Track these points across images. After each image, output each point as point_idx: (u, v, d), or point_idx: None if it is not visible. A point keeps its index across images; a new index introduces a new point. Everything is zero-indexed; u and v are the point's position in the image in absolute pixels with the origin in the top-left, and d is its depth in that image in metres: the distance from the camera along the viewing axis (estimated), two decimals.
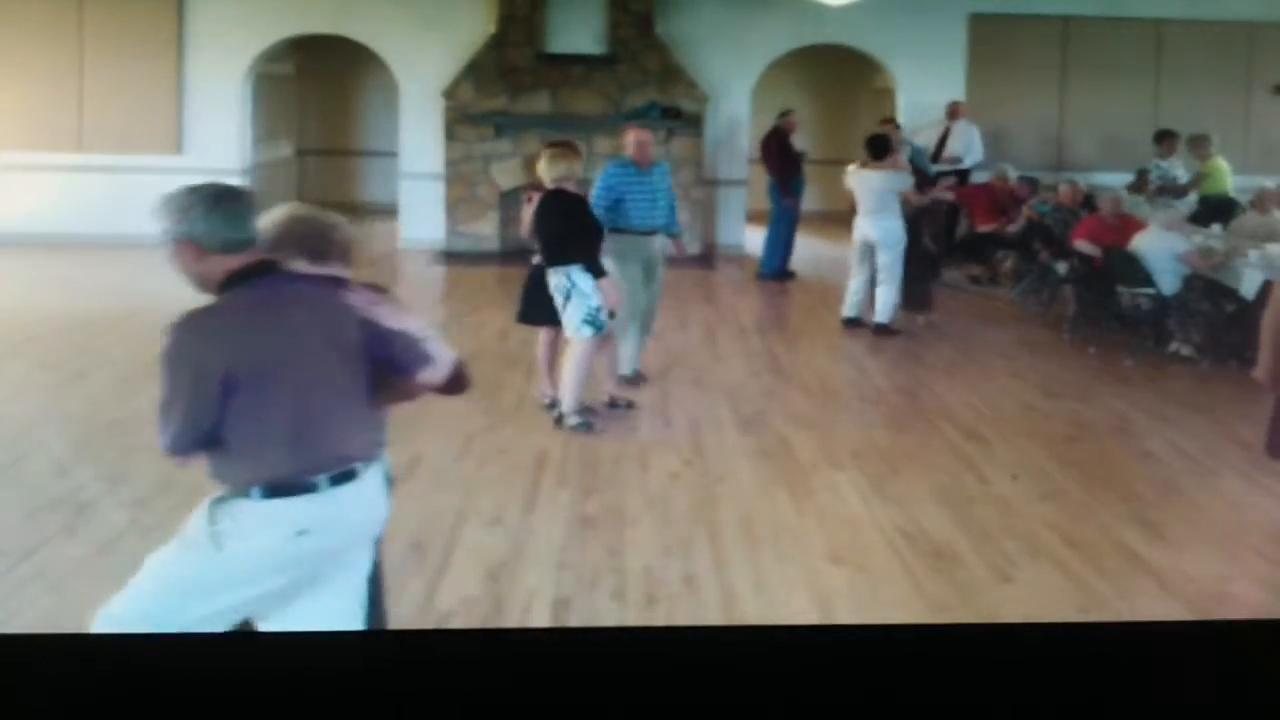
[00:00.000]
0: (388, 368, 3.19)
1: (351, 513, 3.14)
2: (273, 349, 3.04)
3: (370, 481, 3.17)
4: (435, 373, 3.24)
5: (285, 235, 3.27)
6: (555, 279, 6.65)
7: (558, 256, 6.61)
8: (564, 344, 6.95)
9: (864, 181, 9.48)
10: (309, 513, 3.04)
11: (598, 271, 6.56)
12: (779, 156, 12.16)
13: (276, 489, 3.02)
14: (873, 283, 9.56)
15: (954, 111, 13.26)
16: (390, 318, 3.19)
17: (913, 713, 2.09)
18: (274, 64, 14.64)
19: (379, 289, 3.37)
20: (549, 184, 6.64)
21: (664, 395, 7.57)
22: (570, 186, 6.63)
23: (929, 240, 10.24)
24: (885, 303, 9.49)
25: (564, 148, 6.90)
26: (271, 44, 13.62)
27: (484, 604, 4.51)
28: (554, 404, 7.04)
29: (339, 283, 3.25)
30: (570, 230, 6.56)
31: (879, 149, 9.59)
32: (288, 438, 3.03)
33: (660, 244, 7.72)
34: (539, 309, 6.92)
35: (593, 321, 6.61)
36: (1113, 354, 8.81)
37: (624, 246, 7.38)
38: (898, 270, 9.44)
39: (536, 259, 6.93)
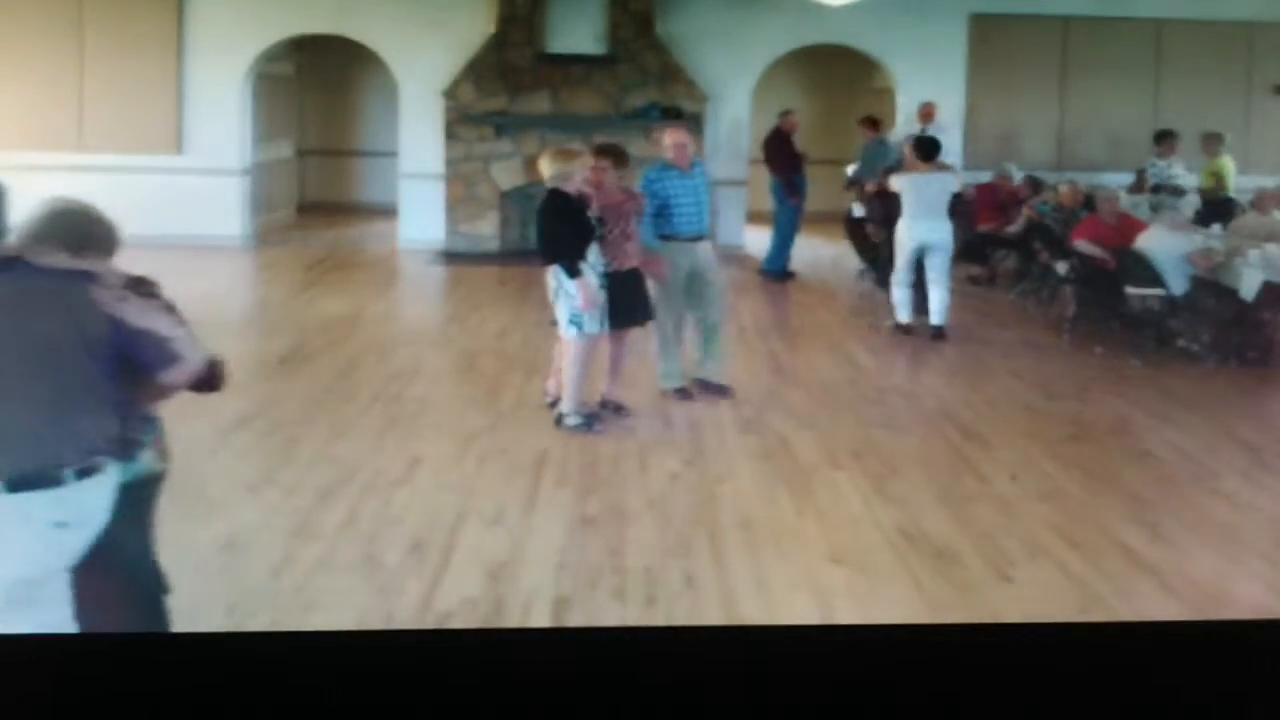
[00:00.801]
0: (134, 365, 3.17)
1: (102, 507, 3.14)
2: (13, 343, 3.03)
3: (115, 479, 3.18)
4: (181, 372, 3.23)
5: (46, 227, 3.26)
6: (549, 278, 6.70)
7: (546, 255, 6.68)
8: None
9: (920, 184, 9.37)
10: (61, 505, 3.04)
11: (572, 272, 6.54)
12: (781, 156, 12.20)
13: (21, 483, 3.02)
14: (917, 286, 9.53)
15: (927, 113, 12.92)
16: (137, 316, 3.16)
17: (913, 713, 2.09)
18: (274, 64, 14.64)
19: (142, 283, 3.32)
20: (547, 183, 6.68)
21: (664, 395, 7.56)
22: (569, 188, 6.63)
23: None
24: (944, 305, 9.40)
25: (609, 150, 7.08)
26: (271, 44, 13.62)
27: (484, 604, 4.51)
28: (556, 403, 7.04)
29: (90, 277, 3.19)
30: (558, 230, 6.58)
31: (930, 150, 9.56)
32: (30, 431, 3.02)
33: (708, 249, 7.40)
34: None
35: (576, 321, 6.61)
36: (1118, 354, 8.81)
37: (669, 254, 7.23)
38: (948, 271, 9.44)
39: None
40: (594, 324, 6.66)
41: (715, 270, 7.47)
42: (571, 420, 6.69)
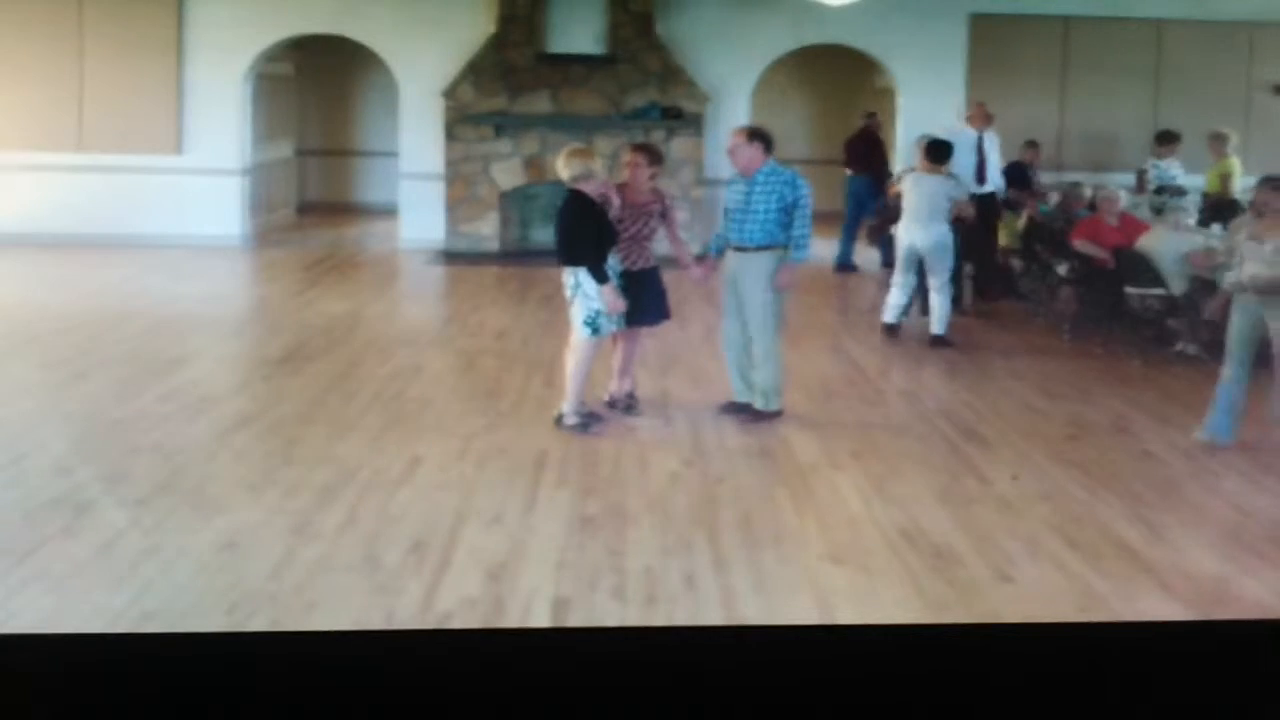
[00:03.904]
0: None
1: None
2: None
3: None
4: None
5: None
6: (566, 277, 6.67)
7: (570, 258, 6.63)
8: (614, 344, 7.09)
9: (921, 186, 9.22)
10: None
11: (600, 277, 6.52)
12: (871, 157, 12.69)
13: None
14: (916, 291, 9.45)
15: (985, 115, 11.23)
16: None
17: (913, 713, 2.09)
18: (274, 64, 14.65)
19: None
20: (567, 184, 6.66)
21: (664, 395, 7.56)
22: (589, 188, 6.61)
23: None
24: (944, 312, 9.19)
25: (645, 150, 7.06)
26: (271, 44, 13.62)
27: (484, 604, 4.51)
28: (614, 402, 7.10)
29: None
30: (581, 232, 6.56)
31: (942, 154, 9.38)
32: None
33: (752, 263, 6.85)
34: None
35: (591, 324, 6.62)
36: (1118, 354, 8.81)
37: (723, 263, 7.09)
38: (948, 278, 9.20)
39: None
40: (610, 325, 6.68)
41: (753, 286, 6.86)
42: (570, 420, 6.69)
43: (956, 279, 9.67)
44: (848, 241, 12.85)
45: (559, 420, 6.74)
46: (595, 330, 6.64)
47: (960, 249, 9.67)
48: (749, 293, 6.91)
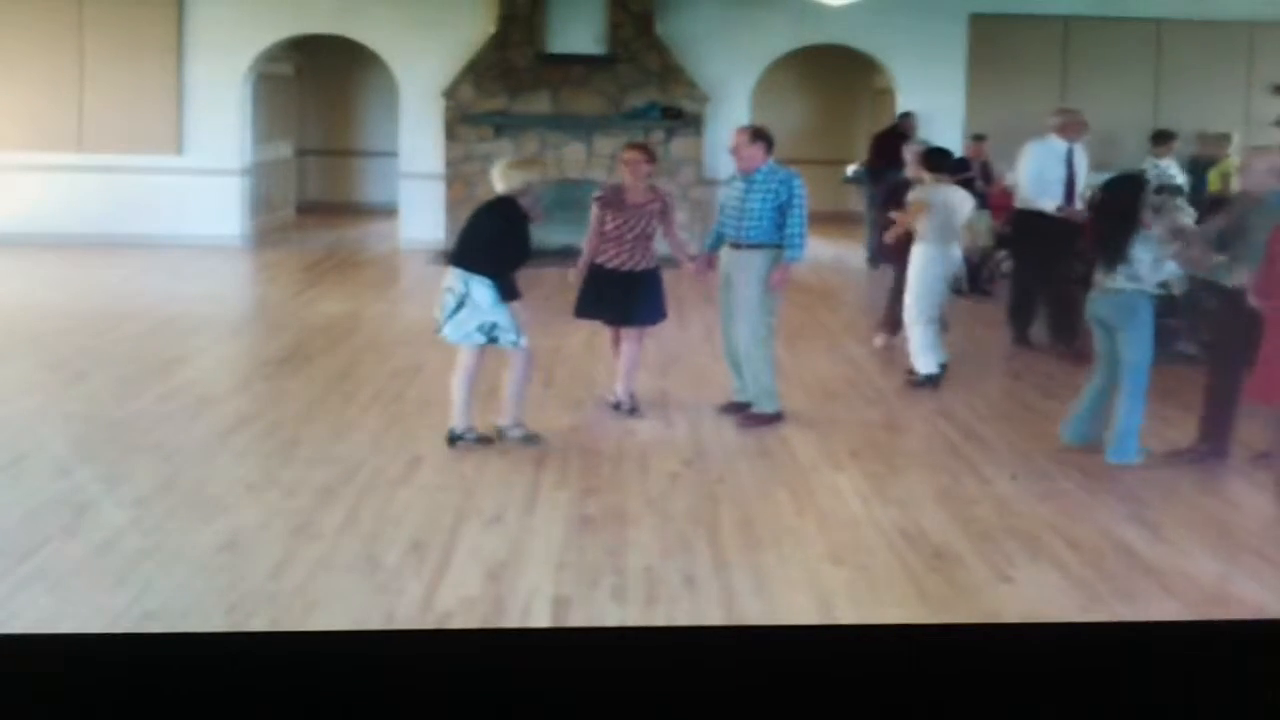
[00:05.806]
0: None
1: None
2: None
3: None
4: None
5: None
6: (451, 279, 6.24)
7: (483, 264, 6.20)
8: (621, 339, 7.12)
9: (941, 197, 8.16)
10: None
11: (510, 293, 6.18)
12: (893, 154, 12.80)
13: None
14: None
15: (1079, 124, 9.47)
16: None
17: (913, 712, 2.09)
18: (274, 64, 14.65)
19: None
20: (504, 191, 6.28)
21: (664, 395, 7.56)
22: (526, 201, 6.29)
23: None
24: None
25: (643, 148, 7.18)
26: (271, 44, 13.64)
27: (484, 604, 4.51)
28: (618, 404, 7.07)
29: None
30: (507, 242, 6.24)
31: (958, 165, 9.16)
32: None
33: (746, 260, 6.84)
34: (596, 305, 7.05)
35: (485, 330, 6.23)
36: None
37: (720, 260, 7.07)
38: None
39: (597, 258, 7.03)
40: (513, 338, 6.28)
41: (745, 283, 6.85)
42: (515, 433, 6.40)
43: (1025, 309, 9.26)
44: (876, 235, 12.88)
45: (500, 435, 6.40)
46: (491, 340, 6.25)
47: (1039, 276, 9.21)
48: (740, 290, 6.91)
